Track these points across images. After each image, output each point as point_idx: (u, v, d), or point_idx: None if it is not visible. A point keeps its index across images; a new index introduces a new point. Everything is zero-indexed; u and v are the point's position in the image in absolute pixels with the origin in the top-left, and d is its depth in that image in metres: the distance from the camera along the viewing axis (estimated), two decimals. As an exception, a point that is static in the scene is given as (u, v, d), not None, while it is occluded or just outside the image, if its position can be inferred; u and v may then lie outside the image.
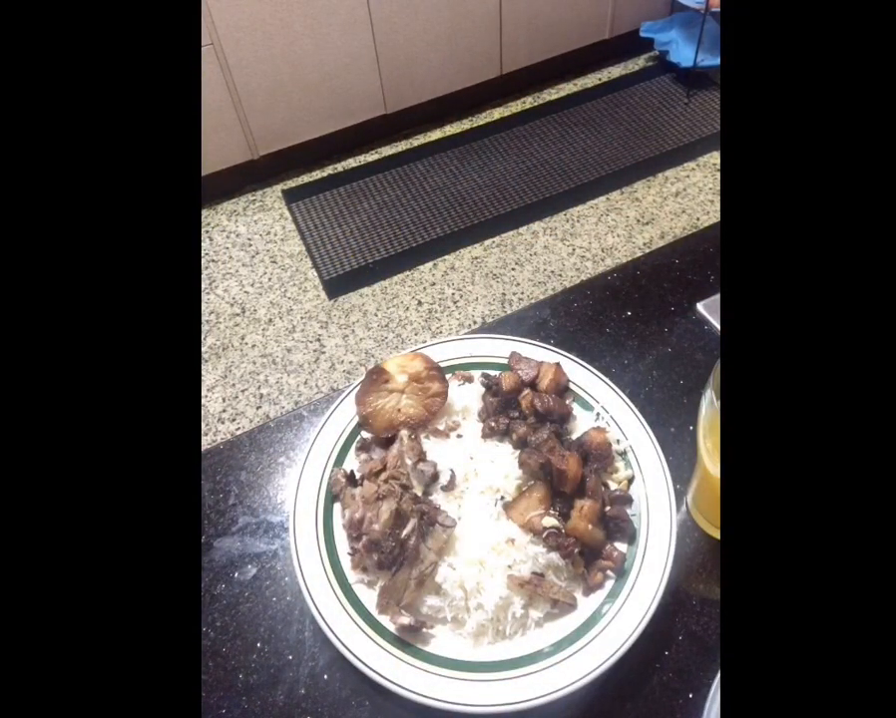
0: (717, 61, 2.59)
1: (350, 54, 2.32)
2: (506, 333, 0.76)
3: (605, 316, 0.81)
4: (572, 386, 0.70)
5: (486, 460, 0.63)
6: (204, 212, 2.43)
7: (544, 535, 0.57)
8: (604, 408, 0.68)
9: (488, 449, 0.64)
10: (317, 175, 2.55)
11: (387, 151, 2.61)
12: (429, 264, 2.19)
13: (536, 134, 2.62)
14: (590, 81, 2.84)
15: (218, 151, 2.32)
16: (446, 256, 2.21)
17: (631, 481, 0.63)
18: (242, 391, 1.91)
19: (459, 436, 0.67)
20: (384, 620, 0.56)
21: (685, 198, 2.31)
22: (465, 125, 2.69)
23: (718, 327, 0.78)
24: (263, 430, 0.74)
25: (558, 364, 0.69)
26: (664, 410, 0.71)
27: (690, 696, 0.54)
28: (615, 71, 2.88)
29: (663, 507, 0.60)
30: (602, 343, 0.78)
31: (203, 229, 2.38)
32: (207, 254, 2.31)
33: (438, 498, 0.61)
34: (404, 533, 0.57)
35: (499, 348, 0.73)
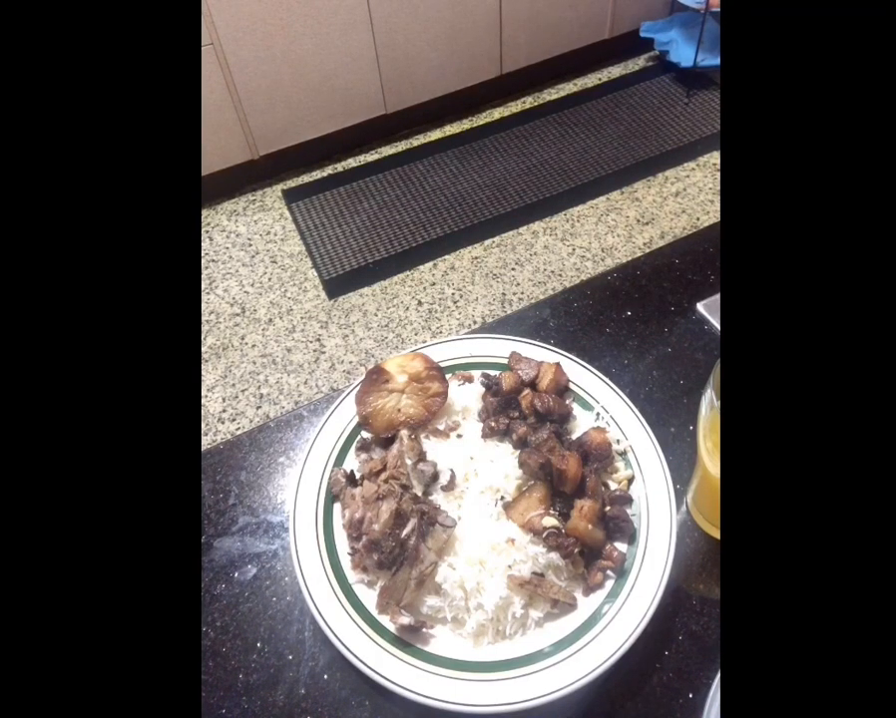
0: (717, 61, 2.59)
1: (350, 54, 2.32)
2: (506, 333, 0.76)
3: (605, 316, 0.81)
4: (572, 386, 0.70)
5: (486, 460, 0.63)
6: (204, 212, 2.43)
7: (544, 535, 0.57)
8: (604, 408, 0.68)
9: (488, 449, 0.64)
10: (317, 175, 2.55)
11: (387, 151, 2.61)
12: (429, 264, 2.19)
13: (536, 134, 2.62)
14: (590, 81, 2.84)
15: (218, 151, 2.32)
16: (446, 256, 2.21)
17: (631, 481, 0.63)
18: (242, 391, 1.91)
19: (459, 436, 0.67)
20: (384, 620, 0.56)
21: (685, 198, 2.31)
22: (465, 125, 2.69)
23: (718, 327, 0.78)
24: (263, 430, 0.74)
25: (558, 364, 0.69)
26: (664, 410, 0.71)
27: (690, 696, 0.54)
28: (615, 71, 2.88)
29: (663, 507, 0.60)
30: (602, 343, 0.78)
31: (203, 229, 2.38)
32: (207, 254, 2.31)
33: (438, 498, 0.61)
34: (404, 533, 0.57)
35: (499, 348, 0.73)
